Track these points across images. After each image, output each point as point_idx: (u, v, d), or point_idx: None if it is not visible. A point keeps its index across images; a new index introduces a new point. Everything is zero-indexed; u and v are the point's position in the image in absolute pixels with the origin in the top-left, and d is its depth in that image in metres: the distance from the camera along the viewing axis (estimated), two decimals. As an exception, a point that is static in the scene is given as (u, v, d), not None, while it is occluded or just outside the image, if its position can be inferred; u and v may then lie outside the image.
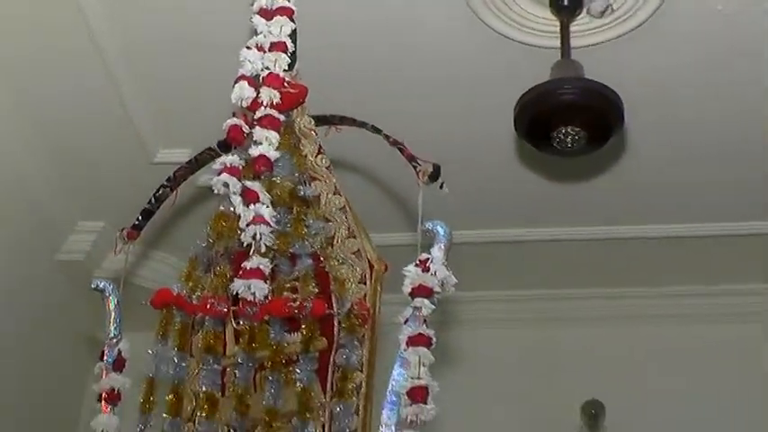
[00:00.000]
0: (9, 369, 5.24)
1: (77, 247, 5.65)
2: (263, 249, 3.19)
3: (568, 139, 4.16)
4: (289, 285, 3.26)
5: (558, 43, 4.42)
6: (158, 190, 3.77)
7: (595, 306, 6.53)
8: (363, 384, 3.13)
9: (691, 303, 6.56)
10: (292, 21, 3.60)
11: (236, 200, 3.26)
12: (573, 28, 4.46)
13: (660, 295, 6.56)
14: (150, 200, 3.74)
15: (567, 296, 6.58)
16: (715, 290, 6.55)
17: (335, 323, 3.21)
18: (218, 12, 4.32)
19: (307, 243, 3.32)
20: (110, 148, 5.22)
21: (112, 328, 3.40)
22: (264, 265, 3.16)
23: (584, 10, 4.43)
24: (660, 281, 6.53)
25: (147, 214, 3.73)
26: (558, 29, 4.42)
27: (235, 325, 3.26)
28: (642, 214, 5.92)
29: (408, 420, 2.92)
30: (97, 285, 3.49)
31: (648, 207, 5.83)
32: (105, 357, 3.35)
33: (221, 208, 3.35)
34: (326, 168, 3.50)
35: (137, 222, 3.70)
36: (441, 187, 3.39)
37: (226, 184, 3.28)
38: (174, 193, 3.78)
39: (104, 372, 3.31)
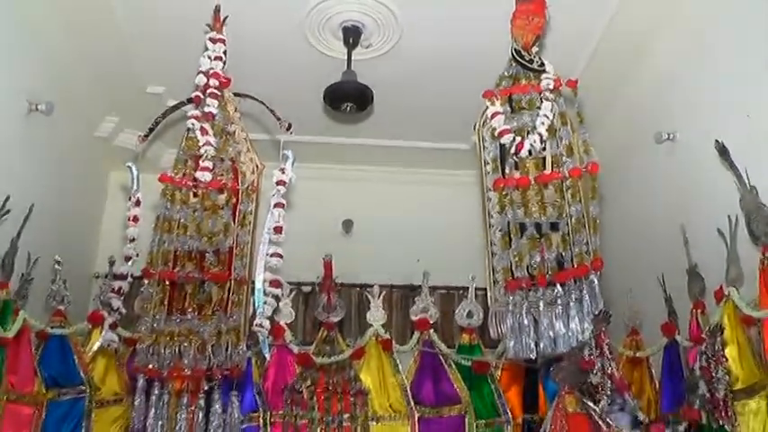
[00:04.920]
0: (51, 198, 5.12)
1: (105, 129, 5.36)
2: (210, 156, 3.42)
3: (347, 108, 4.40)
4: (220, 173, 3.47)
5: (346, 57, 4.53)
6: (157, 119, 3.79)
7: (359, 174, 6.19)
8: (253, 220, 3.39)
9: (405, 174, 6.21)
10: (224, 44, 3.71)
11: (197, 132, 3.44)
12: (355, 51, 4.53)
13: (385, 171, 6.23)
14: (152, 124, 3.77)
15: (353, 169, 6.16)
16: (423, 171, 6.14)
17: (240, 192, 3.44)
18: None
19: (229, 153, 3.52)
20: (121, 80, 4.83)
21: (135, 186, 3.52)
22: (209, 164, 3.40)
23: (359, 45, 4.53)
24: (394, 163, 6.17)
25: (150, 131, 3.77)
26: (346, 52, 4.53)
27: (194, 191, 3.42)
28: (381, 135, 5.76)
29: (273, 241, 3.28)
30: (128, 165, 3.58)
31: (385, 131, 5.68)
32: (132, 200, 3.47)
33: (189, 134, 3.51)
34: (239, 118, 3.65)
35: (145, 135, 3.74)
36: (290, 132, 3.68)
37: (193, 124, 3.45)
38: (164, 121, 3.84)
39: (131, 207, 3.46)
